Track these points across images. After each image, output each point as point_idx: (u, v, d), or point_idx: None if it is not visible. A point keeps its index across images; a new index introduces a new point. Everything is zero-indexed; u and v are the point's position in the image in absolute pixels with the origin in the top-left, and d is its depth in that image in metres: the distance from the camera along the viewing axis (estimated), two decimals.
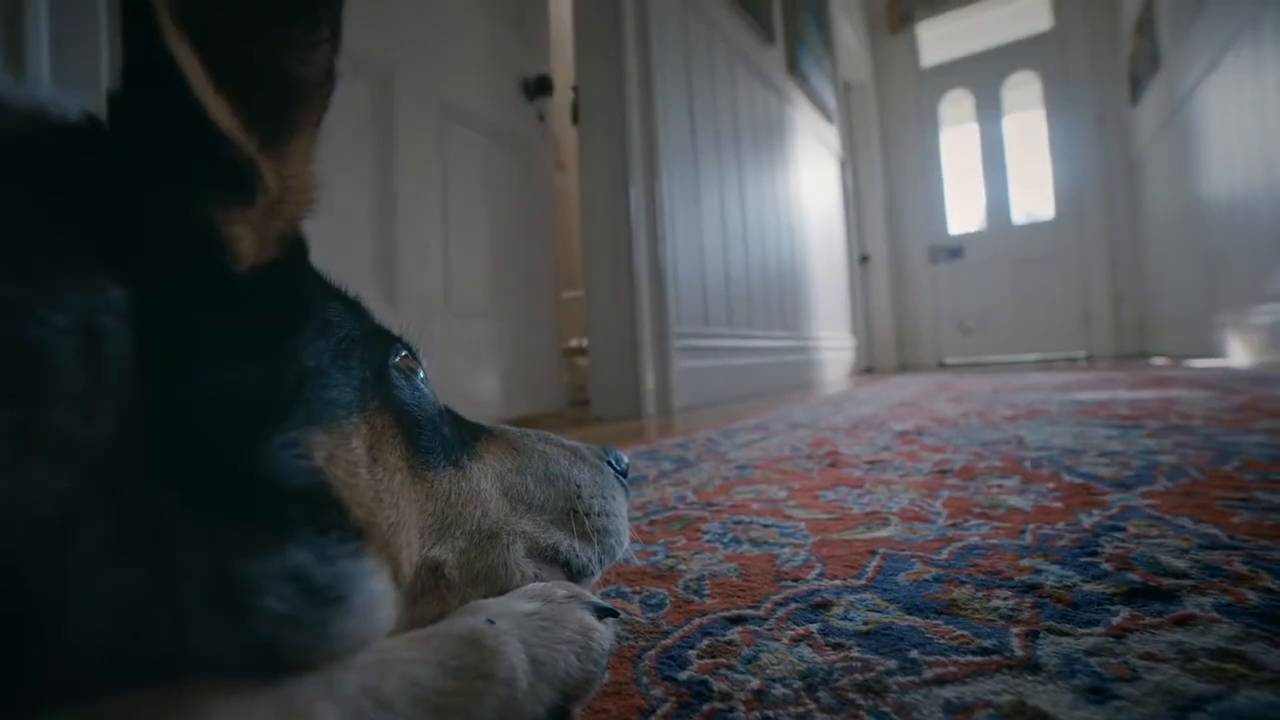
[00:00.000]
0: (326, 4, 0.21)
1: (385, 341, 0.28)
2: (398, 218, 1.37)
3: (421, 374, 0.30)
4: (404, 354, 0.29)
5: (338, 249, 1.22)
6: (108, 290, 0.17)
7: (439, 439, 0.28)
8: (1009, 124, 4.71)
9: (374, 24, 1.34)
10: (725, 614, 0.35)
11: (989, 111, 4.72)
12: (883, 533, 0.48)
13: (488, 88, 1.70)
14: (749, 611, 0.35)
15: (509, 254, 1.75)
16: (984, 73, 4.72)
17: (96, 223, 0.18)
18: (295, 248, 0.24)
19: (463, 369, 1.53)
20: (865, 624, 0.32)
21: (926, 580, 0.38)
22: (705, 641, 0.32)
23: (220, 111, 0.19)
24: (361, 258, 1.31)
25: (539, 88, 1.86)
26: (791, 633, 0.32)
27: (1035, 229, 4.62)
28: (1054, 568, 0.38)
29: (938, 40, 4.97)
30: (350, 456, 0.22)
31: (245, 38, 0.20)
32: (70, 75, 0.77)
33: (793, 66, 3.25)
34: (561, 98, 1.98)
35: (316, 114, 0.23)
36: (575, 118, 1.94)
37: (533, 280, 1.84)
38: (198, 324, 0.19)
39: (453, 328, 1.51)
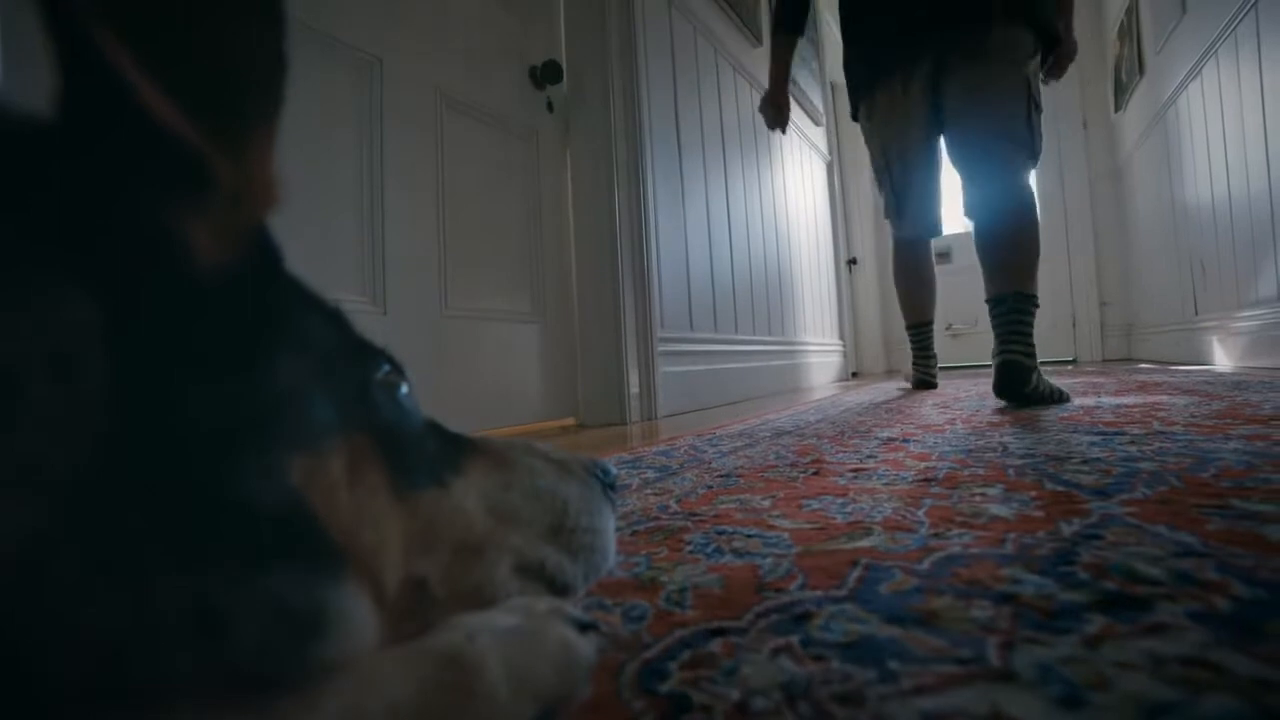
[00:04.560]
0: None
1: (366, 355, 0.28)
2: (387, 215, 1.36)
3: (405, 388, 0.30)
4: (386, 368, 0.29)
5: (320, 251, 1.22)
6: (74, 303, 0.17)
7: (422, 456, 0.28)
8: None
9: (359, 5, 1.33)
10: (707, 626, 0.35)
11: None
12: (865, 543, 0.49)
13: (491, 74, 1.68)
14: (731, 623, 0.35)
15: (515, 251, 1.74)
16: None
17: (56, 229, 0.18)
18: (269, 255, 0.24)
19: (459, 375, 1.52)
20: (846, 635, 0.33)
21: (907, 591, 0.38)
22: (687, 654, 0.32)
23: (158, 104, 0.19)
24: (345, 260, 1.30)
25: (546, 74, 1.83)
26: (772, 644, 0.32)
27: None
28: (1033, 577, 0.39)
29: None
30: (329, 479, 0.21)
31: (177, 24, 0.19)
32: (22, 69, 0.75)
33: None
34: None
35: (271, 103, 0.22)
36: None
37: (543, 278, 1.82)
38: (164, 339, 0.19)
39: (448, 330, 1.50)
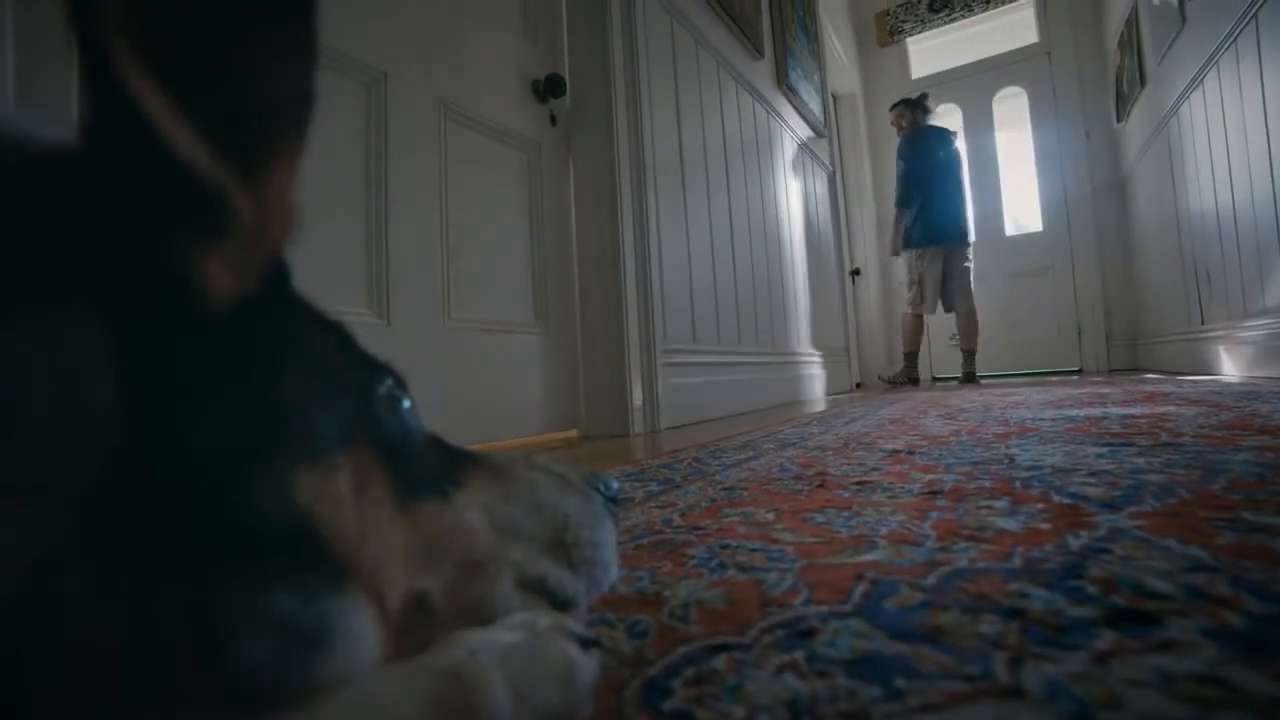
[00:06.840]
0: (294, 15, 0.20)
1: (370, 371, 0.29)
2: (390, 227, 1.37)
3: (407, 402, 0.30)
4: (389, 382, 0.29)
5: (324, 263, 1.23)
6: (86, 330, 0.17)
7: (425, 469, 0.28)
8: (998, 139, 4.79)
9: (366, 20, 1.34)
10: (710, 642, 0.35)
11: (979, 125, 4.79)
12: (870, 556, 0.48)
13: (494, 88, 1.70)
14: (734, 639, 0.35)
15: (518, 262, 1.74)
16: (973, 87, 4.80)
17: (70, 259, 0.18)
18: (278, 274, 0.24)
19: (462, 387, 1.52)
20: (851, 651, 0.32)
21: (913, 606, 0.38)
22: (690, 670, 0.32)
23: (183, 141, 0.19)
24: (349, 272, 1.30)
25: (549, 88, 1.84)
26: (777, 661, 0.32)
27: (1026, 243, 4.66)
28: (1041, 591, 0.38)
29: (927, 54, 5.05)
30: (334, 493, 0.22)
31: (207, 60, 0.19)
32: (39, 99, 0.76)
33: (781, 79, 3.28)
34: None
35: (296, 136, 0.22)
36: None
37: (546, 290, 1.82)
38: (176, 363, 0.19)
39: (451, 342, 1.50)
